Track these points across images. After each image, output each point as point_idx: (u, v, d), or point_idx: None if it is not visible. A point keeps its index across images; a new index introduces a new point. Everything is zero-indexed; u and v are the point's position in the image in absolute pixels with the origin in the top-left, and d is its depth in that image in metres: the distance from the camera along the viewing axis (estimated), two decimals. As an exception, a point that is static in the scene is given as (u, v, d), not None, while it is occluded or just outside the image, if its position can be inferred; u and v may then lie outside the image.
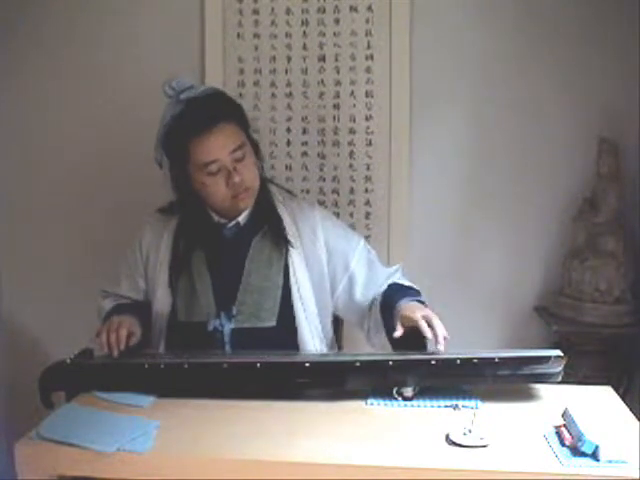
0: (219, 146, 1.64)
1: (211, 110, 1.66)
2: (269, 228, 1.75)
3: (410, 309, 1.60)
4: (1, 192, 2.52)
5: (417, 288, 1.77)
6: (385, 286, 1.77)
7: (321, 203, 2.39)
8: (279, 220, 1.76)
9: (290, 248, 1.74)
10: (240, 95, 2.39)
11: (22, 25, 2.47)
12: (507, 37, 2.31)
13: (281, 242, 1.74)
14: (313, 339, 1.74)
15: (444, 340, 1.51)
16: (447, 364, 1.47)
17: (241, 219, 1.74)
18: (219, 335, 1.68)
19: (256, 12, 2.38)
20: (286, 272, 1.73)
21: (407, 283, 1.79)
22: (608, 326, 2.19)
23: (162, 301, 1.75)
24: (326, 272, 1.78)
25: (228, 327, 1.69)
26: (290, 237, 1.74)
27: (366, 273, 1.79)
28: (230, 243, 1.75)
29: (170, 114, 1.68)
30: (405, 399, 1.47)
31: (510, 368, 1.46)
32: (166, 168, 1.73)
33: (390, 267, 1.85)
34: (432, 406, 1.45)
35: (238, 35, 2.40)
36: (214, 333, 1.69)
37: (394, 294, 1.71)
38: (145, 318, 1.74)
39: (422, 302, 1.68)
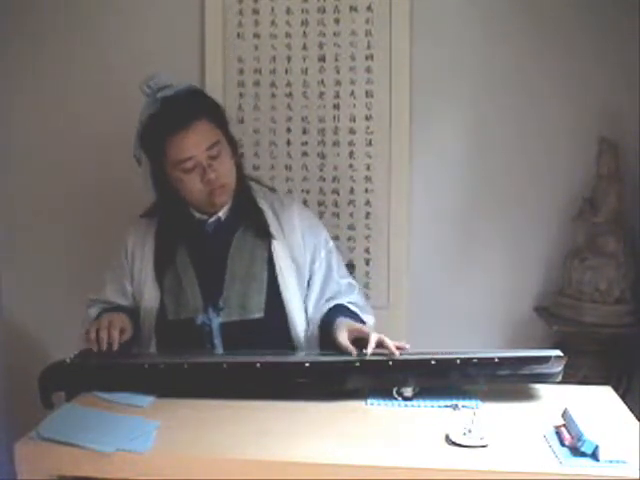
0: (193, 144, 1.65)
1: (186, 109, 1.67)
2: (251, 222, 1.76)
3: (349, 323, 1.62)
4: (1, 192, 2.52)
5: (363, 318, 1.74)
6: (331, 304, 1.75)
7: (321, 203, 2.39)
8: (260, 213, 1.77)
9: (273, 240, 1.74)
10: (240, 95, 2.40)
11: (22, 25, 2.47)
12: (507, 37, 2.31)
13: (263, 234, 1.75)
14: (302, 325, 1.74)
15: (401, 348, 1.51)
16: (447, 364, 1.47)
17: (222, 214, 1.75)
18: (208, 329, 1.69)
19: (256, 12, 2.39)
20: (271, 264, 1.74)
21: (353, 308, 1.75)
22: (608, 326, 2.19)
23: (150, 297, 1.75)
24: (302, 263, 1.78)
25: (216, 321, 1.69)
26: (272, 229, 1.75)
27: (321, 282, 1.77)
28: (212, 238, 1.75)
29: (147, 113, 1.70)
30: (405, 399, 1.47)
31: (510, 368, 1.46)
32: (145, 166, 1.75)
33: (346, 279, 1.82)
34: (432, 406, 1.45)
35: (238, 35, 2.40)
36: (202, 327, 1.69)
37: (335, 314, 1.70)
38: (133, 317, 1.75)
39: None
